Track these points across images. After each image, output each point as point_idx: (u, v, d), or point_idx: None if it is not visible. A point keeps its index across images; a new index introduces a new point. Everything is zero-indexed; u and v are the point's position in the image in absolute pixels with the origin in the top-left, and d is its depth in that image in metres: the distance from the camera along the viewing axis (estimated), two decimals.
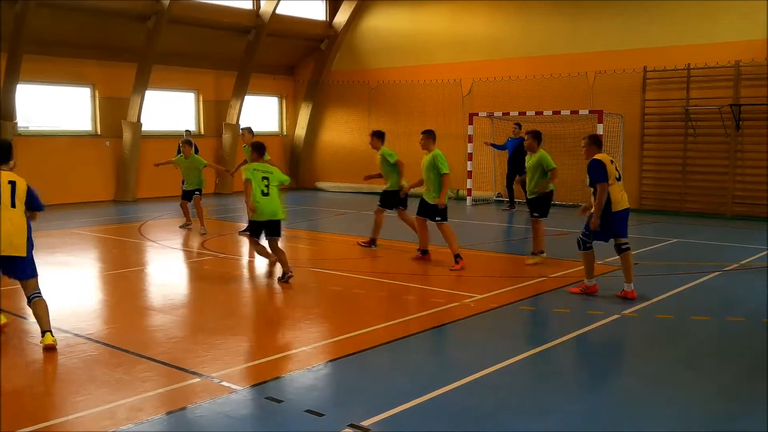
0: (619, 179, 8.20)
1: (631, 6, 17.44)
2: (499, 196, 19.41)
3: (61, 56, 18.52)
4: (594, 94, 18.03)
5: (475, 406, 5.11)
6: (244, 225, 13.48)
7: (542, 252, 10.42)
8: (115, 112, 19.76)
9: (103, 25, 18.67)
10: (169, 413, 4.91)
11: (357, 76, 23.05)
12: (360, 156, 20.99)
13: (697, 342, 6.78)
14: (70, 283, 9.34)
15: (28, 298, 6.46)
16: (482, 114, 19.12)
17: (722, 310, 7.86)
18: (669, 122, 17.20)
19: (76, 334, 6.76)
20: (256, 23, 21.55)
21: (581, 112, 17.41)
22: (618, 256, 8.37)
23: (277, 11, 21.56)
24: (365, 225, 12.13)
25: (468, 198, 19.16)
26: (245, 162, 12.71)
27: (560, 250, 11.26)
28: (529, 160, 10.43)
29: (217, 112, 22.51)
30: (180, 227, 14.09)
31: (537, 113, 17.87)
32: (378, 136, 11.61)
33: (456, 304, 8.01)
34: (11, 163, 6.53)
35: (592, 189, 8.16)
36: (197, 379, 5.57)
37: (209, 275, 9.98)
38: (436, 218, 10.22)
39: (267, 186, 9.19)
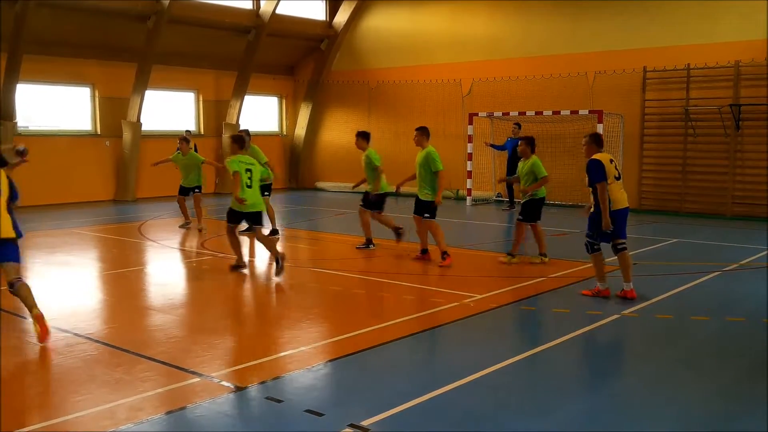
0: (618, 178, 8.19)
1: (631, 6, 17.44)
2: (499, 196, 19.41)
3: (61, 56, 18.52)
4: (594, 94, 18.03)
5: (475, 406, 5.11)
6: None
7: (513, 255, 10.47)
8: (115, 111, 19.76)
9: (103, 25, 18.67)
10: (168, 413, 4.91)
11: (357, 76, 23.05)
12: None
13: (697, 342, 6.78)
14: (70, 283, 9.34)
15: (10, 283, 6.56)
16: (482, 114, 19.12)
17: (722, 310, 7.86)
18: (669, 122, 17.20)
19: (76, 334, 6.76)
20: (256, 23, 21.56)
21: (581, 112, 17.42)
22: (615, 257, 8.36)
23: (277, 11, 21.56)
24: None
25: (468, 198, 19.17)
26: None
27: (560, 250, 11.26)
28: (523, 166, 10.46)
29: (217, 112, 22.52)
30: (180, 227, 14.10)
31: (537, 113, 17.88)
32: (363, 136, 11.64)
33: (456, 304, 8.01)
34: None
35: (591, 189, 8.16)
36: (197, 379, 5.57)
37: (209, 275, 9.98)
38: (425, 215, 10.36)
39: (250, 178, 9.69)
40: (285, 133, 24.93)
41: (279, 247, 11.74)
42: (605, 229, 8.00)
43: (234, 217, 9.87)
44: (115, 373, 5.71)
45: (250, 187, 9.71)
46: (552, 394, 5.41)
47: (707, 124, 16.54)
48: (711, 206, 16.59)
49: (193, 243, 12.54)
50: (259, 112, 24.15)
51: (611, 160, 8.20)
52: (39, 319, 6.46)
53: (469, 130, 19.13)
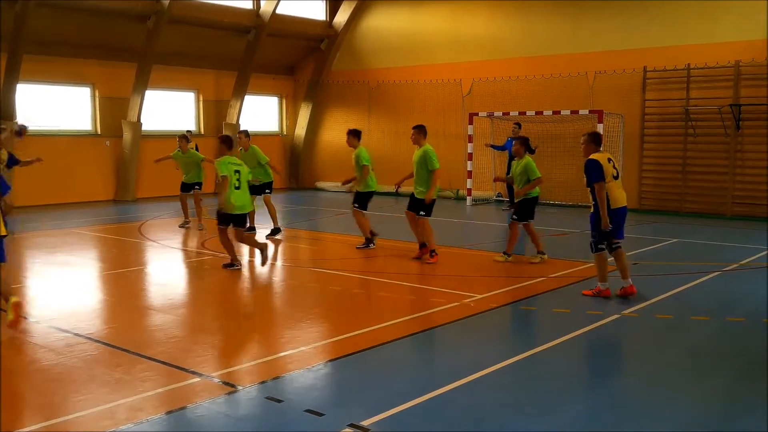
0: (616, 177, 8.20)
1: (631, 6, 17.44)
2: (499, 196, 19.41)
3: (61, 56, 18.52)
4: (594, 94, 18.03)
5: (475, 406, 5.11)
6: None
7: (509, 255, 10.53)
8: (115, 111, 19.76)
9: (103, 25, 18.67)
10: (168, 413, 4.91)
11: (357, 76, 23.05)
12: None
13: (696, 342, 6.78)
14: (70, 283, 9.34)
15: None
16: (482, 114, 19.12)
17: (722, 310, 7.86)
18: (669, 122, 17.19)
19: (76, 334, 6.76)
20: (256, 23, 21.56)
21: (581, 112, 17.42)
22: (611, 256, 8.35)
23: (277, 11, 21.56)
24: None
25: (468, 198, 19.16)
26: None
27: (560, 250, 11.26)
28: (516, 167, 10.51)
29: (217, 112, 22.52)
30: (179, 226, 14.11)
31: (537, 113, 17.88)
32: (354, 134, 11.74)
33: (456, 304, 8.01)
34: None
35: (590, 189, 8.16)
36: (197, 379, 5.57)
37: (209, 275, 9.98)
38: (420, 212, 10.50)
39: (238, 180, 9.81)
40: (285, 133, 24.93)
41: (276, 248, 11.79)
42: (604, 229, 8.01)
43: (224, 219, 9.96)
44: (115, 373, 5.71)
45: (238, 188, 9.83)
46: (552, 394, 5.41)
47: (707, 124, 16.54)
48: (711, 206, 16.59)
49: (193, 243, 12.54)
50: (259, 112, 24.16)
51: (609, 159, 8.21)
52: (17, 305, 6.66)
53: (469, 130, 19.13)
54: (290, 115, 24.97)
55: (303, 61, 24.39)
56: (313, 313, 7.86)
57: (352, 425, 4.67)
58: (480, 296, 8.35)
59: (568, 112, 17.53)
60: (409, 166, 10.88)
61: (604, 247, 8.22)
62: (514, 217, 10.62)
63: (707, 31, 16.45)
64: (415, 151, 10.66)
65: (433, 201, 10.53)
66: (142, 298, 8.81)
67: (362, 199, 11.58)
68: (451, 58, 20.79)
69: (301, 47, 23.82)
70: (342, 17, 23.18)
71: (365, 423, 4.71)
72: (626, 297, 8.20)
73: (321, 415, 4.88)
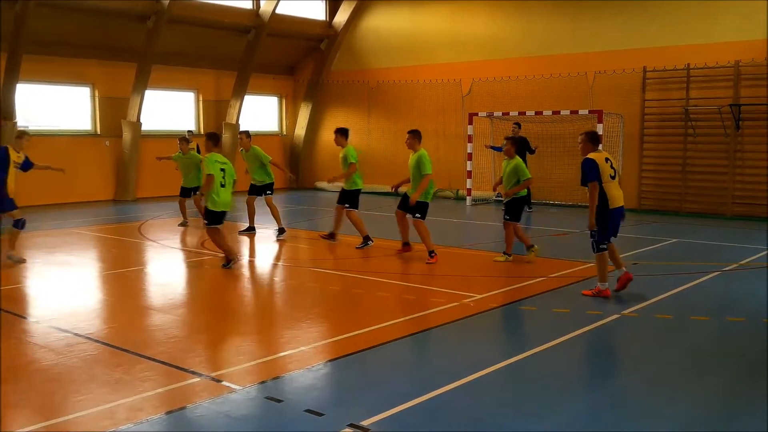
0: (614, 177, 8.20)
1: (631, 6, 17.44)
2: (499, 196, 19.39)
3: (61, 56, 18.52)
4: (594, 94, 18.03)
5: (475, 406, 5.11)
6: (244, 225, 13.50)
7: (509, 255, 10.56)
8: (115, 111, 19.76)
9: (103, 25, 18.67)
10: (168, 413, 4.91)
11: (357, 76, 23.05)
12: (359, 156, 20.95)
13: (696, 342, 6.78)
14: (70, 283, 9.34)
15: None
16: (482, 114, 19.12)
17: (722, 310, 7.86)
18: (669, 122, 17.20)
19: (76, 334, 6.76)
20: (256, 23, 21.55)
21: (581, 112, 17.41)
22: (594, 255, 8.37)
23: (277, 11, 21.55)
24: (365, 224, 12.10)
25: (468, 198, 19.16)
26: (246, 171, 13.30)
27: (560, 250, 11.26)
28: (506, 166, 10.51)
29: (217, 112, 22.51)
30: (179, 225, 14.13)
31: (537, 113, 17.88)
32: (342, 133, 11.95)
33: (456, 303, 8.01)
34: None
35: (585, 187, 8.18)
36: (197, 379, 5.57)
37: (209, 275, 9.98)
38: (416, 215, 10.56)
39: (224, 177, 9.95)
40: (285, 132, 24.93)
41: (276, 248, 11.79)
42: (590, 229, 8.05)
43: (214, 218, 10.07)
44: (115, 373, 5.70)
45: (224, 186, 9.96)
46: (552, 394, 5.41)
47: (707, 124, 16.54)
48: (711, 206, 16.59)
49: (193, 243, 12.54)
50: (259, 112, 24.15)
51: (607, 159, 8.21)
52: None
53: (469, 130, 19.11)
54: (290, 115, 24.97)
55: (303, 61, 24.39)
56: (313, 313, 7.86)
57: (351, 425, 4.67)
58: (480, 296, 8.35)
59: (567, 112, 17.53)
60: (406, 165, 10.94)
61: (605, 247, 8.23)
62: (507, 217, 10.66)
63: (707, 31, 16.45)
64: (410, 155, 10.78)
65: (427, 204, 10.60)
66: (142, 298, 8.81)
67: (351, 198, 11.80)
68: (451, 58, 20.79)
69: (301, 47, 23.82)
70: (342, 17, 23.18)
71: (365, 423, 4.71)
72: (626, 285, 8.26)
73: (321, 415, 4.88)
